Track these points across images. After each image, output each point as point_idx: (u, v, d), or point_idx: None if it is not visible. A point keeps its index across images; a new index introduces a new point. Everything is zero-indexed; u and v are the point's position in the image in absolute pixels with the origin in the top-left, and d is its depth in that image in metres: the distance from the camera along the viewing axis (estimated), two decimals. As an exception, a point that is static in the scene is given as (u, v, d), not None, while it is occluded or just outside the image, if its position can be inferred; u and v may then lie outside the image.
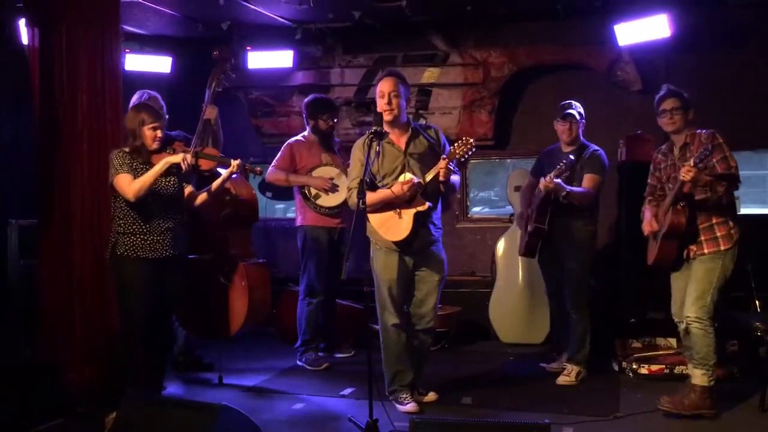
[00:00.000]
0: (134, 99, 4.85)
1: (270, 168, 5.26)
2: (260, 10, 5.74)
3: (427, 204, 4.08)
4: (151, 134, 4.00)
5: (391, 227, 4.11)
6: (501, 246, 6.01)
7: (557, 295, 4.94)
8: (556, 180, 4.50)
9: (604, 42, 5.77)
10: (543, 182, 4.55)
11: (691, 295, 4.00)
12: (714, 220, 3.98)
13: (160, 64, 6.31)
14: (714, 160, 3.89)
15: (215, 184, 4.38)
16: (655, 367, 4.80)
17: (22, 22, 4.93)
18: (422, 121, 6.08)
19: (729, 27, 5.71)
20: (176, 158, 3.98)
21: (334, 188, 5.19)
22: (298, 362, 5.28)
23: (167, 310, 4.25)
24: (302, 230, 5.29)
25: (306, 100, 5.41)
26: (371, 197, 3.99)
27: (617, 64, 5.91)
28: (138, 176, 3.94)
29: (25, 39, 4.67)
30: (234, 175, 4.40)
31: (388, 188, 4.07)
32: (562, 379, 4.75)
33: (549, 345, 5.57)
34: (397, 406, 4.21)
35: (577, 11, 5.81)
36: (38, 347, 4.45)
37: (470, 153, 3.97)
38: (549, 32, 6.12)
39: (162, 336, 4.26)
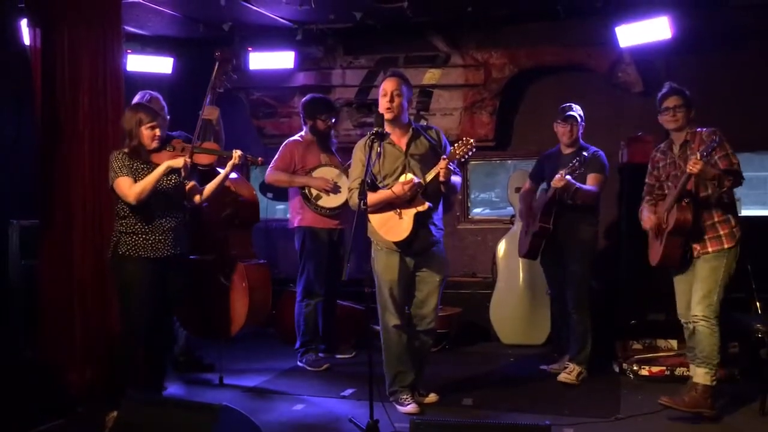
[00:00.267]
0: (136, 99, 4.85)
1: (269, 169, 5.23)
2: (261, 11, 5.75)
3: (427, 204, 4.08)
4: (149, 134, 4.00)
5: (391, 227, 4.12)
6: (502, 247, 6.01)
7: (560, 297, 4.95)
8: (567, 177, 4.52)
9: (605, 43, 5.77)
10: (556, 179, 4.55)
11: (697, 294, 4.00)
12: (716, 218, 3.99)
13: (162, 64, 6.32)
14: (716, 157, 3.90)
15: (217, 179, 4.31)
16: (655, 369, 4.80)
17: (23, 23, 4.93)
18: (423, 122, 6.08)
19: (729, 28, 5.71)
20: (177, 163, 3.97)
21: (335, 189, 5.18)
22: (299, 363, 5.28)
23: (168, 310, 4.25)
24: (301, 231, 5.26)
25: (304, 99, 5.38)
26: (372, 197, 3.99)
27: (618, 66, 5.92)
28: (139, 177, 3.94)
29: (26, 39, 4.67)
30: (235, 175, 4.39)
31: (389, 188, 4.08)
32: (563, 376, 4.76)
33: (550, 346, 5.57)
34: (398, 407, 4.21)
35: (577, 12, 5.80)
36: (39, 347, 4.46)
37: (470, 153, 3.98)
38: (550, 33, 6.12)
39: (163, 336, 4.26)
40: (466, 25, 6.21)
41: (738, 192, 4.11)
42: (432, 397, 4.41)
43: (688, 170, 3.81)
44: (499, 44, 6.21)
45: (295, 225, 5.30)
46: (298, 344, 5.32)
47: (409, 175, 4.08)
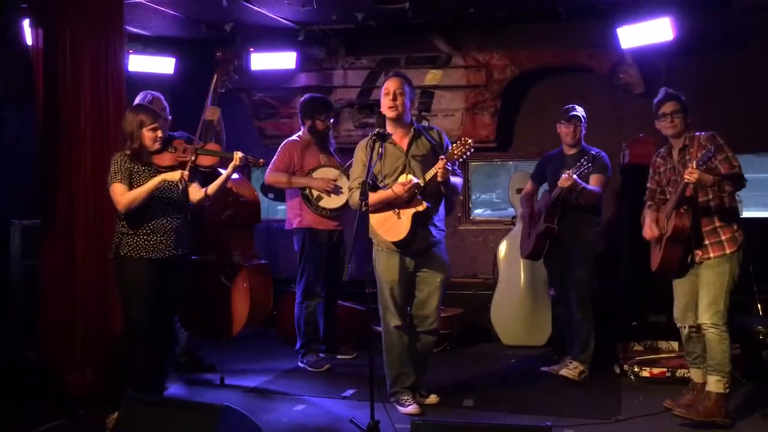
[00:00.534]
0: (137, 100, 4.84)
1: (268, 170, 5.20)
2: (263, 12, 5.75)
3: (425, 204, 4.08)
4: (150, 135, 3.99)
5: (390, 227, 4.12)
6: (503, 248, 6.01)
7: (563, 296, 4.95)
8: (574, 176, 4.51)
9: (607, 45, 5.78)
10: (563, 178, 4.54)
11: (703, 302, 3.95)
12: (717, 223, 3.96)
13: (164, 65, 6.33)
14: (716, 161, 3.88)
15: (218, 180, 4.28)
16: (656, 370, 4.80)
17: (26, 23, 4.94)
18: (425, 123, 6.08)
19: (731, 30, 5.72)
20: (173, 176, 3.94)
21: (336, 190, 5.17)
22: (300, 364, 5.27)
23: (170, 310, 4.24)
24: (301, 232, 5.24)
25: (302, 99, 5.37)
26: (372, 197, 3.99)
27: (620, 67, 5.92)
28: (139, 180, 3.94)
29: (29, 39, 4.69)
30: (236, 176, 4.38)
31: (389, 188, 4.08)
32: (565, 371, 4.78)
33: (551, 347, 5.57)
34: (399, 407, 4.21)
35: (579, 14, 5.81)
36: (39, 348, 4.46)
37: (468, 153, 3.97)
38: (551, 35, 6.12)
39: (164, 337, 4.25)
40: (468, 26, 6.21)
41: (739, 194, 4.09)
42: (433, 398, 4.41)
43: (684, 179, 3.79)
44: (501, 45, 6.21)
45: (294, 226, 5.28)
46: (298, 345, 5.31)
47: (408, 176, 4.08)
